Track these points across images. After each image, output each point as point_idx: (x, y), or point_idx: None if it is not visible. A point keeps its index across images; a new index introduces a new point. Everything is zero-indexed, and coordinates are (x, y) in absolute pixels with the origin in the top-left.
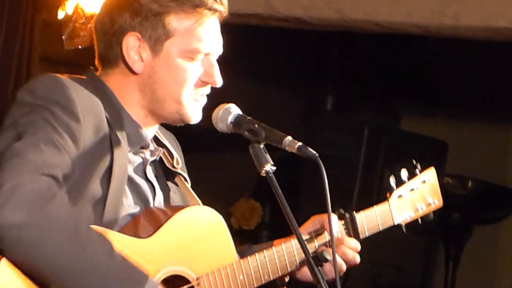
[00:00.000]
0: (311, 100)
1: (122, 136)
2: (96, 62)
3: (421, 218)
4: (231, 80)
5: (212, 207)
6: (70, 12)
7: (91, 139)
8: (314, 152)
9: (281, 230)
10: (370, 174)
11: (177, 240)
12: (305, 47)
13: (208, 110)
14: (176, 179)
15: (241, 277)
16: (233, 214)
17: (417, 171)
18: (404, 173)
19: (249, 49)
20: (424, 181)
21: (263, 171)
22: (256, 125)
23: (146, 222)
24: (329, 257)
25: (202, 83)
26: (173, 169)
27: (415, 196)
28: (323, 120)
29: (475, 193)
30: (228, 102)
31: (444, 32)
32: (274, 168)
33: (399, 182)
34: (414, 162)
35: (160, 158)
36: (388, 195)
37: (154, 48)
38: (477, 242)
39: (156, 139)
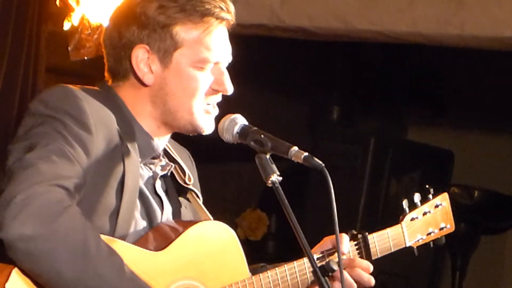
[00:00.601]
0: (317, 110)
1: (133, 147)
2: (106, 75)
3: (433, 241)
4: (237, 90)
5: (219, 217)
6: (76, 23)
7: (103, 150)
8: (320, 162)
9: (288, 241)
10: (377, 184)
11: (189, 254)
12: (311, 57)
13: (214, 120)
14: (188, 195)
15: None
16: (239, 224)
17: (430, 196)
18: (417, 197)
19: (254, 60)
20: (437, 206)
21: (269, 182)
22: (262, 136)
23: (159, 236)
24: (335, 267)
25: (213, 91)
26: (185, 185)
27: (428, 219)
28: (329, 130)
29: (481, 203)
30: (234, 113)
31: (450, 41)
32: (280, 178)
33: (412, 206)
34: (428, 187)
35: (172, 173)
36: (401, 218)
37: (163, 60)
38: (483, 252)
39: (167, 155)
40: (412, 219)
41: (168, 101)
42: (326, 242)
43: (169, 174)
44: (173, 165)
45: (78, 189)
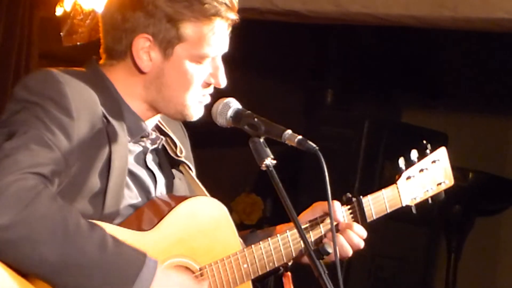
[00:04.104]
0: (311, 94)
1: (121, 127)
2: (101, 51)
3: (431, 197)
4: (231, 74)
5: None
6: (68, 9)
7: (87, 134)
8: (314, 145)
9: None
10: (371, 166)
11: (180, 231)
12: (304, 41)
13: (208, 104)
14: (181, 168)
15: (245, 266)
16: (234, 209)
17: (428, 151)
18: (414, 154)
19: (248, 44)
20: (434, 161)
21: (263, 165)
22: (256, 119)
23: (149, 214)
24: (330, 250)
25: (207, 84)
26: (176, 157)
27: (425, 176)
28: (323, 113)
29: (476, 185)
30: (227, 97)
31: (443, 24)
32: (274, 162)
33: (409, 163)
34: (425, 142)
35: (164, 146)
36: (396, 177)
37: (165, 51)
38: (478, 233)
39: (158, 128)
40: (408, 178)
41: (163, 91)
42: (316, 209)
43: (160, 147)
44: (163, 138)
45: (57, 175)
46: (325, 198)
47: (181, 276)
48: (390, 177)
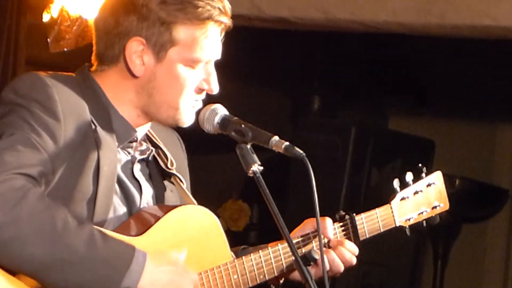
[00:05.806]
0: (298, 101)
1: (109, 132)
2: (93, 57)
3: (426, 220)
4: (218, 81)
5: None
6: (55, 15)
7: (73, 138)
8: (301, 152)
9: (270, 231)
10: (358, 173)
11: (169, 239)
12: (291, 48)
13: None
14: (172, 180)
15: (235, 277)
16: (221, 215)
17: (423, 174)
18: (409, 176)
19: (235, 50)
20: (429, 184)
21: (250, 171)
22: (243, 126)
23: (140, 222)
24: (317, 256)
25: (199, 90)
26: (167, 169)
27: (419, 198)
28: (310, 120)
29: (462, 192)
30: (215, 103)
31: (430, 31)
32: (261, 168)
33: (403, 185)
34: (420, 165)
35: (155, 158)
36: (391, 197)
37: (157, 54)
38: (465, 240)
39: (150, 140)
40: (402, 199)
41: (154, 95)
42: (307, 225)
43: (150, 158)
44: (154, 149)
45: (45, 176)
46: (312, 205)
47: (171, 267)
48: (376, 185)
